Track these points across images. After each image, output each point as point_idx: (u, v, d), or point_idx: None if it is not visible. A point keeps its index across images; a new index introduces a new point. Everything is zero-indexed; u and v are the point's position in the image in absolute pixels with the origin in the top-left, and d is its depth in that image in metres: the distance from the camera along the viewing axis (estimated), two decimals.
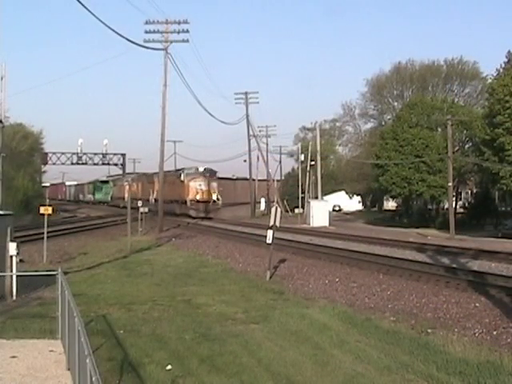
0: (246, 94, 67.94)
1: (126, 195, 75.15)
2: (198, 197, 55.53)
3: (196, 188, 55.97)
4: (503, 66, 50.62)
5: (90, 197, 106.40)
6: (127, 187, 79.00)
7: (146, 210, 42.09)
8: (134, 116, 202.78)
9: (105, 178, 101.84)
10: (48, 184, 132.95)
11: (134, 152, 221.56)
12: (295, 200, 73.42)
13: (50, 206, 24.90)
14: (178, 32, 42.02)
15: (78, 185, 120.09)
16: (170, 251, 28.95)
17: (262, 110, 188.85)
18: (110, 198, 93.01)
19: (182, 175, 57.63)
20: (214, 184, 58.03)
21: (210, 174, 58.19)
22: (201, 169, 58.11)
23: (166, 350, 10.62)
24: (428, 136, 56.59)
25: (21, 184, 58.20)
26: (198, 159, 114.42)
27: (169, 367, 9.57)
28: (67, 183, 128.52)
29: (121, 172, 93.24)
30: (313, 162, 68.91)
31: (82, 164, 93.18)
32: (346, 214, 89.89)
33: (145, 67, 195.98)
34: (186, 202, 56.24)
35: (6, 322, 12.43)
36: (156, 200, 62.55)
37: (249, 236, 34.18)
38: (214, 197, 56.67)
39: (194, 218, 53.27)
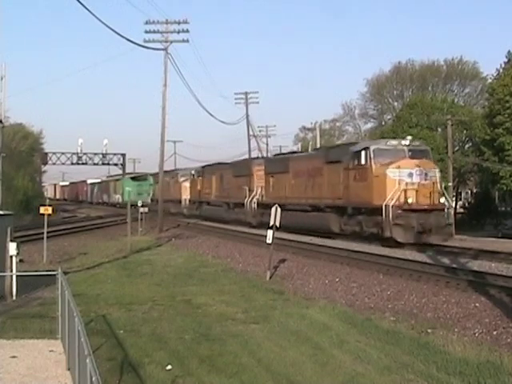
0: (246, 94, 67.86)
1: (185, 195, 55.00)
2: (411, 200, 27.06)
3: (405, 181, 27.33)
4: (503, 65, 50.60)
5: (117, 197, 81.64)
6: (185, 184, 56.40)
7: (146, 210, 42.04)
8: (134, 116, 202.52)
9: (140, 173, 78.28)
10: (67, 183, 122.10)
11: (134, 152, 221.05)
12: None
13: (49, 205, 24.96)
14: (178, 32, 42.05)
15: (102, 182, 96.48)
16: (170, 251, 28.93)
17: (262, 109, 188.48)
18: (149, 200, 72.94)
19: (366, 155, 28.62)
20: (437, 173, 28.60)
21: (422, 153, 29.35)
22: (404, 142, 29.19)
23: (166, 350, 10.62)
24: (428, 136, 56.57)
25: (21, 184, 58.18)
26: (198, 159, 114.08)
27: (169, 367, 9.57)
28: (89, 181, 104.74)
29: (121, 172, 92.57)
30: None
31: (82, 164, 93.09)
32: None
33: (145, 67, 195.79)
34: (379, 210, 26.96)
35: (6, 322, 12.44)
36: (260, 204, 39.73)
37: (249, 236, 34.16)
38: (442, 200, 28.33)
39: (401, 243, 26.65)
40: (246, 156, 64.77)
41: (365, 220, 28.61)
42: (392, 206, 26.48)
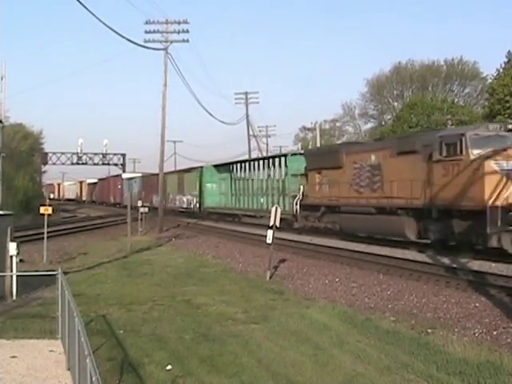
0: (246, 94, 67.97)
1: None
2: None
3: None
4: (503, 65, 50.67)
5: (191, 201, 52.79)
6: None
7: (146, 210, 42.08)
8: (133, 116, 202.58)
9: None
10: (95, 180, 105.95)
11: (134, 152, 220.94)
12: None
13: (49, 206, 24.99)
14: (178, 32, 42.09)
15: (146, 176, 69.32)
16: (170, 251, 28.94)
17: (262, 110, 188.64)
18: (293, 208, 34.85)
19: None
20: None
21: None
22: None
23: (166, 350, 10.62)
24: None
25: (21, 184, 58.22)
26: (198, 159, 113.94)
27: (169, 367, 9.57)
28: (124, 176, 78.49)
29: (121, 172, 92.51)
30: None
31: (82, 164, 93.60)
32: None
33: (145, 67, 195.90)
34: None
35: (6, 322, 12.44)
36: None
37: (249, 236, 34.15)
38: None
39: None
40: (246, 156, 63.50)
41: None
42: None
